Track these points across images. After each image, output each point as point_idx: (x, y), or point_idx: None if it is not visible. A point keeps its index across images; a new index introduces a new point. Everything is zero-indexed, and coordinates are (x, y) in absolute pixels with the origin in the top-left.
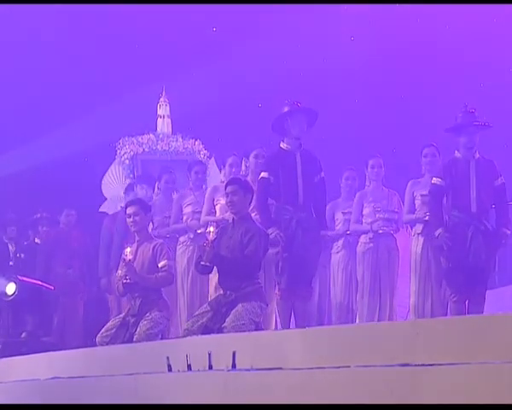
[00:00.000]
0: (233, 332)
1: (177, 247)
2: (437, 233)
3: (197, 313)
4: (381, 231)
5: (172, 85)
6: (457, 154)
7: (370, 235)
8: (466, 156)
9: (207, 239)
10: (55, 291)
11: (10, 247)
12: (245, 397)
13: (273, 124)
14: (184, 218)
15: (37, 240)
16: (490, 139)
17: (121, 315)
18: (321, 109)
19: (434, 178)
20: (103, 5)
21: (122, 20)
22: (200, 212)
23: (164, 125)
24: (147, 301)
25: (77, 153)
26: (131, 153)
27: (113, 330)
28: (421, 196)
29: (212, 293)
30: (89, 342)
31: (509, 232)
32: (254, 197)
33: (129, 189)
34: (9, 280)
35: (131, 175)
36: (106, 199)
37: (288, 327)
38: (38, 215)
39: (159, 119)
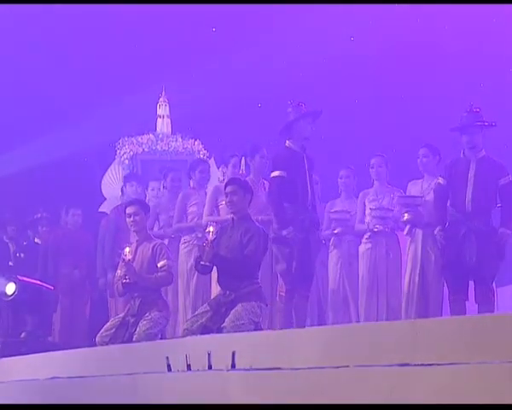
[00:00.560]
0: (232, 332)
1: (181, 246)
2: (435, 232)
3: (196, 312)
4: (375, 230)
5: (172, 85)
6: (462, 154)
7: (367, 234)
8: (468, 156)
9: (207, 239)
10: (61, 291)
11: (11, 246)
12: (244, 397)
13: (285, 127)
14: (190, 217)
15: (36, 240)
16: (489, 139)
17: (121, 315)
18: (319, 110)
19: (440, 178)
20: (103, 5)
21: (121, 21)
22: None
23: (163, 125)
24: (146, 301)
25: (76, 153)
26: (131, 153)
27: (112, 330)
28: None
29: (215, 292)
30: (93, 342)
31: (509, 232)
32: (267, 197)
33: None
34: (9, 280)
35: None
36: (105, 199)
37: (290, 326)
38: (38, 215)
39: (158, 119)
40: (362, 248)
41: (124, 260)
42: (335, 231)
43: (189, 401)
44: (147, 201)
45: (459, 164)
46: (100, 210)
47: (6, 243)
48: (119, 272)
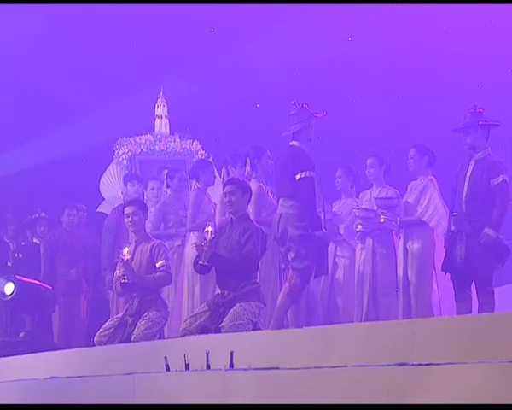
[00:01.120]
0: (231, 332)
1: (187, 245)
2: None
3: (195, 312)
4: (357, 230)
5: (170, 86)
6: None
7: (357, 235)
8: (469, 157)
9: (205, 239)
10: (59, 291)
11: (11, 246)
12: (242, 397)
13: (299, 130)
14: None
15: (35, 240)
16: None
17: (119, 315)
18: (319, 110)
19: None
20: (101, 5)
21: (120, 21)
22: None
23: (162, 125)
24: (145, 300)
25: (75, 153)
26: (129, 153)
27: (111, 330)
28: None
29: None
30: (92, 342)
31: (491, 233)
32: (300, 198)
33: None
34: (8, 280)
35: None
36: (104, 199)
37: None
38: (37, 215)
39: (157, 119)
40: (357, 248)
41: (122, 260)
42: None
43: (187, 401)
44: (145, 200)
45: (463, 165)
46: (98, 210)
47: (6, 243)
48: (117, 272)
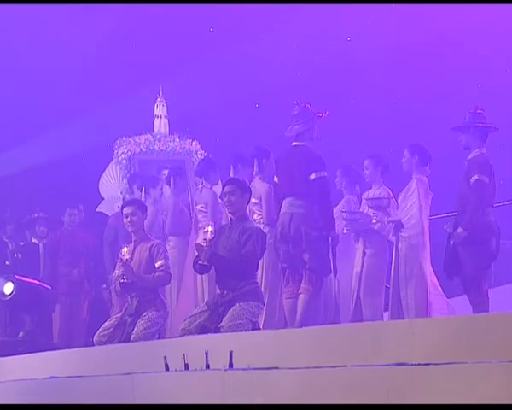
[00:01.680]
0: (230, 332)
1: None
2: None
3: (194, 312)
4: (345, 232)
5: (170, 86)
6: None
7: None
8: (465, 157)
9: (205, 239)
10: (60, 291)
11: (9, 246)
12: (242, 397)
13: (305, 130)
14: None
15: (34, 240)
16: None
17: (118, 315)
18: (318, 109)
19: None
20: (101, 5)
21: (119, 21)
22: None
23: (161, 125)
24: (144, 300)
25: (74, 153)
26: (129, 153)
27: (110, 330)
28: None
29: None
30: (91, 342)
31: (459, 232)
32: (315, 198)
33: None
34: (7, 280)
35: (128, 175)
36: (103, 199)
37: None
38: (36, 215)
39: (156, 119)
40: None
41: (121, 259)
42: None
43: (186, 401)
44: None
45: (462, 166)
46: (97, 210)
47: (5, 243)
48: (116, 271)
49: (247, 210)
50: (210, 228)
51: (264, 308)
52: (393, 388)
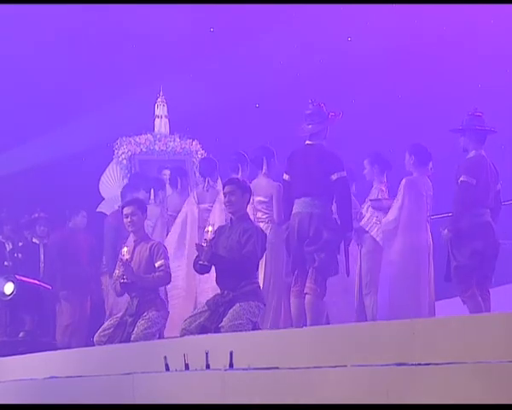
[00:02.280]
0: (230, 332)
1: None
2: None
3: (194, 312)
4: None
5: (170, 86)
6: None
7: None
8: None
9: (205, 239)
10: (63, 291)
11: (7, 246)
12: (242, 396)
13: (321, 130)
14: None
15: (34, 240)
16: (488, 141)
17: (118, 315)
18: (332, 110)
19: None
20: (100, 5)
21: (119, 21)
22: None
23: (161, 125)
24: (144, 300)
25: (74, 153)
26: (129, 153)
27: (110, 330)
28: None
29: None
30: (91, 341)
31: (445, 233)
32: (337, 199)
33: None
34: (8, 280)
35: (129, 175)
36: (103, 199)
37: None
38: (36, 215)
39: (156, 119)
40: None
41: (121, 259)
42: None
43: (186, 401)
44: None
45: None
46: (98, 210)
47: (2, 243)
48: (117, 271)
49: (252, 209)
50: (210, 228)
51: (270, 309)
52: (393, 388)
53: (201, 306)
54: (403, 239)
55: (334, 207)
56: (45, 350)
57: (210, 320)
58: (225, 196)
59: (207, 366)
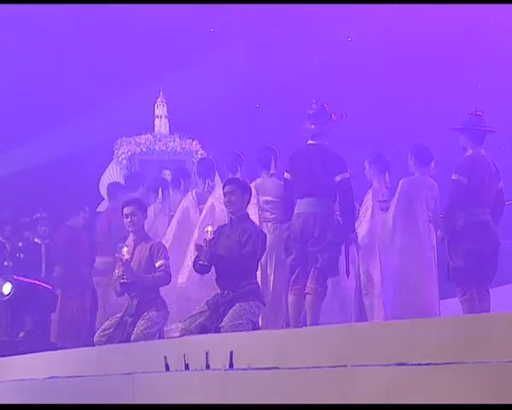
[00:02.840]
0: (230, 332)
1: None
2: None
3: (195, 312)
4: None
5: (170, 86)
6: None
7: None
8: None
9: (205, 239)
10: (64, 290)
11: (7, 246)
12: (242, 396)
13: (324, 131)
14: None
15: (36, 240)
16: (488, 140)
17: (118, 315)
18: (334, 111)
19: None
20: (101, 6)
21: (119, 21)
22: None
23: (161, 125)
24: (144, 300)
25: (75, 153)
26: (129, 153)
27: (110, 330)
28: None
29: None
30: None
31: (439, 234)
32: (340, 200)
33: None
34: (6, 280)
35: (129, 174)
36: (103, 199)
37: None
38: (38, 215)
39: (156, 119)
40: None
41: (121, 259)
42: None
43: (186, 401)
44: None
45: None
46: (98, 210)
47: (3, 243)
48: (116, 271)
49: (258, 208)
50: (210, 228)
51: (270, 309)
52: (393, 388)
53: (201, 306)
54: (401, 239)
55: (336, 208)
56: (45, 350)
57: (210, 320)
58: (225, 196)
59: (207, 366)
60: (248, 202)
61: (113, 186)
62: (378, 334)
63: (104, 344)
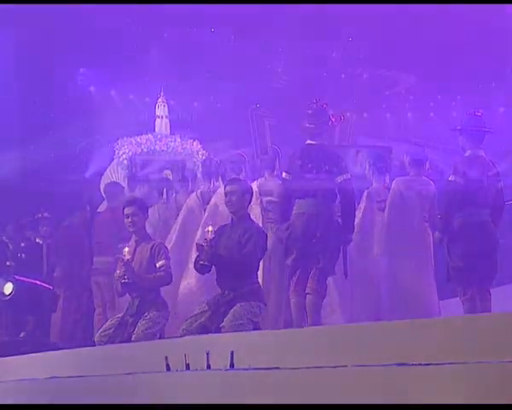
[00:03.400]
0: (231, 332)
1: None
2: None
3: (195, 312)
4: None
5: (171, 86)
6: None
7: None
8: None
9: (206, 238)
10: (65, 291)
11: (10, 246)
12: (243, 397)
13: (326, 130)
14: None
15: (38, 240)
16: (488, 140)
17: (119, 315)
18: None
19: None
20: (102, 6)
21: (120, 21)
22: None
23: (162, 125)
24: (145, 300)
25: (74, 153)
26: (130, 153)
27: (111, 330)
28: None
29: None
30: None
31: (436, 236)
32: (341, 201)
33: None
34: (7, 280)
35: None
36: (104, 199)
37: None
38: (40, 215)
39: (157, 119)
40: None
41: (122, 260)
42: None
43: (187, 401)
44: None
45: None
46: (99, 210)
47: (6, 243)
48: (118, 272)
49: (261, 209)
50: (210, 228)
51: (270, 309)
52: (393, 388)
53: (202, 306)
54: (394, 239)
55: (337, 208)
56: (46, 350)
57: (211, 320)
58: (226, 196)
59: (208, 366)
60: (249, 203)
61: (110, 186)
62: (378, 334)
63: (105, 344)
